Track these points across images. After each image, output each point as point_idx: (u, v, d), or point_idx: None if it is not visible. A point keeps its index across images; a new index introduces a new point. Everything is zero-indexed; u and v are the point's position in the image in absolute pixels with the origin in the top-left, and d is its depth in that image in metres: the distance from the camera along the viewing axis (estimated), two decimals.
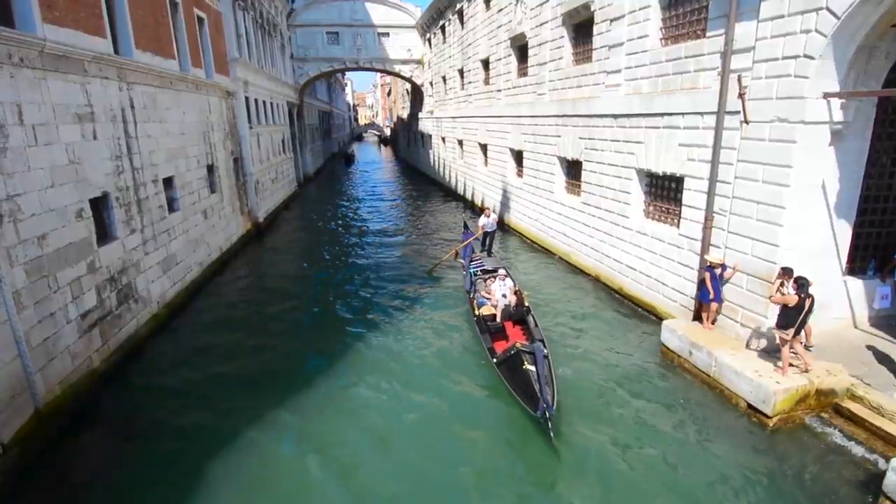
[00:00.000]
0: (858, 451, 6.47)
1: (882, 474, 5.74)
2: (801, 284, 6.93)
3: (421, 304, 12.33)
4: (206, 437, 7.24)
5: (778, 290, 7.32)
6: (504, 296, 10.14)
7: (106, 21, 9.75)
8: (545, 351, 7.78)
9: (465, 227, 16.60)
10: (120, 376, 8.97)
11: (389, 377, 8.86)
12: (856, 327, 8.47)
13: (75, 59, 8.58)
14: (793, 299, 6.92)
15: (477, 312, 10.03)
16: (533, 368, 7.15)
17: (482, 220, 14.87)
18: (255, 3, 23.88)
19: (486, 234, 14.86)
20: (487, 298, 10.41)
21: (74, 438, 7.34)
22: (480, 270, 12.62)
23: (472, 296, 11.04)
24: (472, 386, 8.59)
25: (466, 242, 14.25)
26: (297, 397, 8.21)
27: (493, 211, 15.80)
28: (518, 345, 7.72)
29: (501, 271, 10.98)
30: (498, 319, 9.82)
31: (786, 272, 7.29)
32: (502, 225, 16.34)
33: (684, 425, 7.31)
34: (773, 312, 7.51)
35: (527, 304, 10.14)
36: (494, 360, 8.40)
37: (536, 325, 9.55)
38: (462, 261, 13.80)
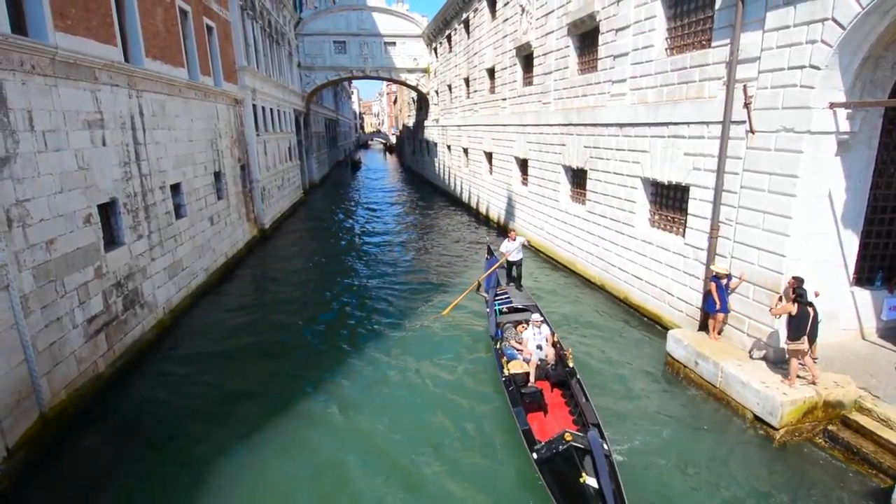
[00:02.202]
0: (866, 464, 6.38)
1: (890, 488, 5.67)
2: (798, 294, 6.94)
3: (431, 343, 10.44)
4: (210, 443, 7.24)
5: (777, 302, 7.31)
6: (539, 347, 8.32)
7: (117, 29, 9.90)
8: (606, 447, 5.88)
9: (490, 252, 13.94)
10: (125, 381, 9.00)
11: (389, 469, 6.75)
12: (863, 338, 8.40)
13: (86, 66, 8.70)
14: (791, 308, 6.90)
15: (506, 370, 7.91)
16: (594, 484, 5.16)
17: (505, 245, 12.42)
18: (264, 12, 24.16)
19: (510, 262, 12.41)
20: (518, 350, 8.52)
21: (79, 443, 7.35)
22: (507, 308, 10.59)
23: (498, 346, 8.92)
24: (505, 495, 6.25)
25: (490, 271, 11.78)
26: (301, 411, 8.11)
27: (519, 234, 13.28)
28: (567, 435, 5.67)
29: (535, 316, 8.86)
30: (531, 380, 7.89)
31: (797, 281, 7.27)
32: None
33: (689, 437, 7.24)
34: (782, 324, 7.46)
35: (570, 363, 8.00)
36: (535, 456, 6.05)
37: (587, 400, 7.15)
38: (485, 294, 11.42)
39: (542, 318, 9.02)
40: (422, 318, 11.76)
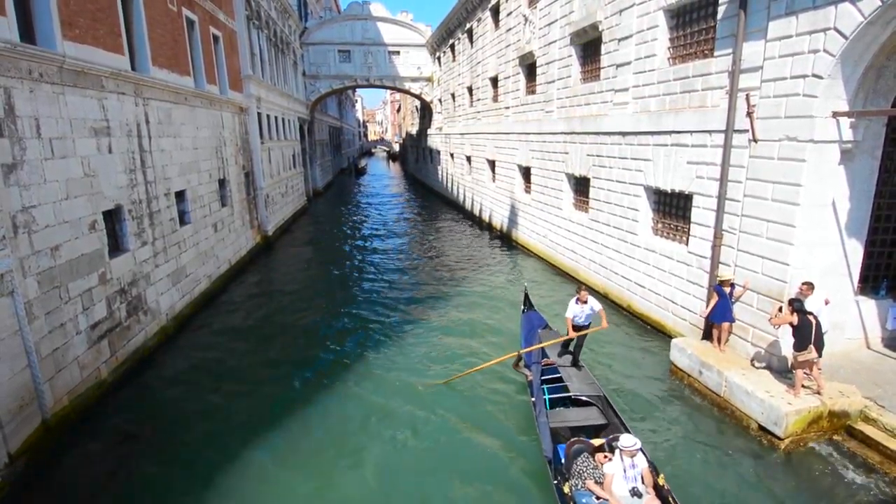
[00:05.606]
0: (872, 474, 6.32)
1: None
2: (796, 306, 6.92)
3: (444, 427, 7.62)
4: (212, 450, 7.22)
5: (776, 312, 7.28)
6: (636, 494, 5.21)
7: (124, 38, 10.01)
8: None
9: (527, 301, 10.17)
10: (128, 388, 9.00)
11: None
12: (869, 348, 8.34)
13: (93, 74, 8.79)
14: (791, 318, 6.89)
15: None
16: None
17: (572, 309, 8.31)
18: (269, 22, 24.39)
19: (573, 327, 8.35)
20: (599, 499, 5.30)
21: (81, 449, 7.34)
22: (559, 397, 7.50)
23: (567, 490, 5.38)
24: None
25: (538, 346, 8.05)
26: (298, 427, 7.95)
27: (590, 295, 8.63)
28: None
29: (626, 439, 5.35)
30: None
31: (810, 287, 7.26)
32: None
33: (693, 446, 7.18)
34: (786, 333, 7.43)
35: None
36: None
37: None
38: (526, 372, 7.92)
39: (637, 444, 5.31)
40: (420, 380, 9.00)
